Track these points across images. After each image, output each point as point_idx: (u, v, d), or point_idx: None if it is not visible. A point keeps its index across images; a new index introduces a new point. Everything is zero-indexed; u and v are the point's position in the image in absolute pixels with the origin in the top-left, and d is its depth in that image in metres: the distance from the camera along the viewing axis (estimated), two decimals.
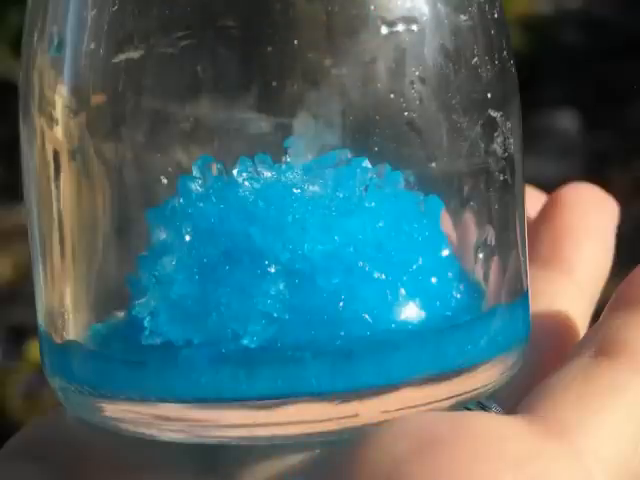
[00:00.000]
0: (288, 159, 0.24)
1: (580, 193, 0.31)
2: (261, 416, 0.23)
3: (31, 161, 0.25)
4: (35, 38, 0.25)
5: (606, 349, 0.23)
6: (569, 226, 0.29)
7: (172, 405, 0.23)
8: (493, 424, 0.22)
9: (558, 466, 0.21)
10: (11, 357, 0.98)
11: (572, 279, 0.29)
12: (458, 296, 0.24)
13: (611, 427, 0.22)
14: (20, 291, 1.05)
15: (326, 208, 0.23)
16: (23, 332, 0.97)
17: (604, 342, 0.24)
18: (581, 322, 0.28)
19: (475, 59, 0.24)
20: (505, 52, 0.25)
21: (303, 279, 0.23)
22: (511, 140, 0.25)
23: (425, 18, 0.23)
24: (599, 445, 0.22)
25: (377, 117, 0.24)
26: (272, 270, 0.23)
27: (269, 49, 0.23)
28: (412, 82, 0.23)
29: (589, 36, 1.43)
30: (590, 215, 0.30)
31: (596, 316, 0.26)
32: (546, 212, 0.30)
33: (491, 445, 0.21)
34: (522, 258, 0.25)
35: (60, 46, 0.24)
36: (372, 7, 0.23)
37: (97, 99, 0.24)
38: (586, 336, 0.25)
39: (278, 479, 0.23)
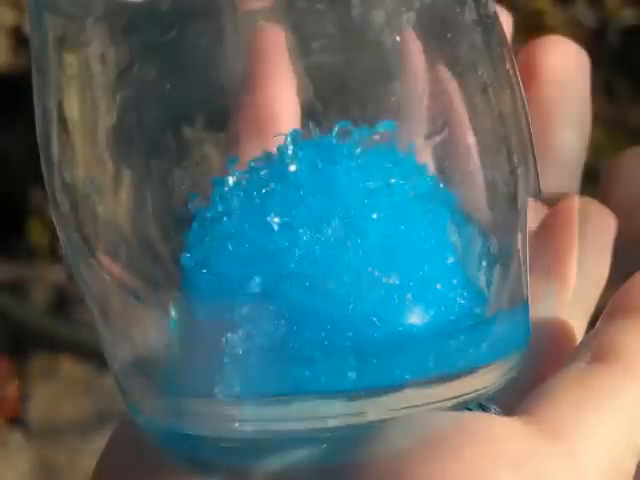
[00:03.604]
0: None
1: (579, 206, 0.31)
2: (271, 412, 0.23)
3: None
4: None
5: (602, 355, 0.24)
6: (569, 238, 0.29)
7: (189, 399, 0.24)
8: (492, 424, 0.23)
9: (554, 465, 0.22)
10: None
11: (570, 289, 0.30)
12: (462, 302, 0.24)
13: (606, 429, 0.23)
14: None
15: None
16: None
17: (600, 349, 0.24)
18: (578, 329, 0.28)
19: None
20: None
21: (314, 281, 0.23)
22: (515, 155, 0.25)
23: None
24: (593, 446, 0.22)
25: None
26: (284, 272, 0.23)
27: None
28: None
29: None
30: (589, 228, 0.31)
31: (593, 323, 0.26)
32: (546, 224, 0.31)
33: (490, 445, 0.22)
34: (523, 268, 0.26)
35: None
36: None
37: None
38: (582, 343, 0.25)
39: (286, 474, 0.24)
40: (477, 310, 0.24)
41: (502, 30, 0.25)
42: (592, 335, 0.25)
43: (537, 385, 0.24)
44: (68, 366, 1.01)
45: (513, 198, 0.25)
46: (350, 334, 0.23)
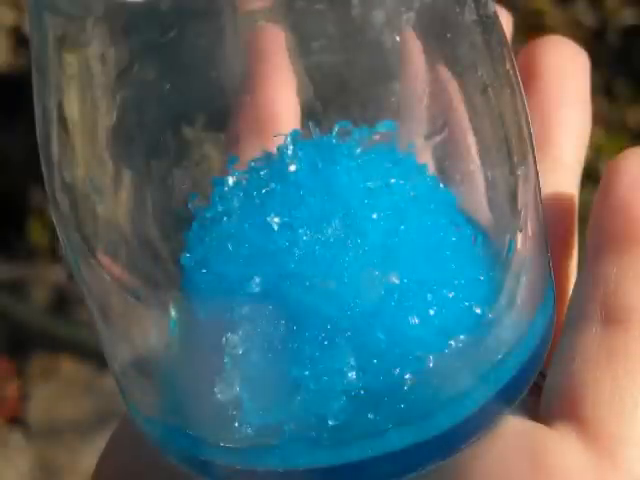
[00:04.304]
0: None
1: (554, 54, 0.31)
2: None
3: None
4: None
5: (615, 316, 0.24)
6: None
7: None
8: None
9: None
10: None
11: (561, 161, 0.30)
12: (462, 302, 0.24)
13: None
14: None
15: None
16: None
17: (610, 307, 0.24)
18: (573, 195, 0.29)
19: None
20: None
21: (314, 281, 0.23)
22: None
23: None
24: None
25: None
26: (284, 272, 0.23)
27: None
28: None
29: None
30: (567, 80, 0.31)
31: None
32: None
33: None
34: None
35: None
36: None
37: None
38: (588, 296, 0.25)
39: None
40: (477, 310, 0.24)
41: (502, 30, 0.25)
42: (595, 280, 0.25)
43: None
44: (68, 366, 1.01)
45: (513, 198, 0.25)
46: (350, 334, 0.23)
